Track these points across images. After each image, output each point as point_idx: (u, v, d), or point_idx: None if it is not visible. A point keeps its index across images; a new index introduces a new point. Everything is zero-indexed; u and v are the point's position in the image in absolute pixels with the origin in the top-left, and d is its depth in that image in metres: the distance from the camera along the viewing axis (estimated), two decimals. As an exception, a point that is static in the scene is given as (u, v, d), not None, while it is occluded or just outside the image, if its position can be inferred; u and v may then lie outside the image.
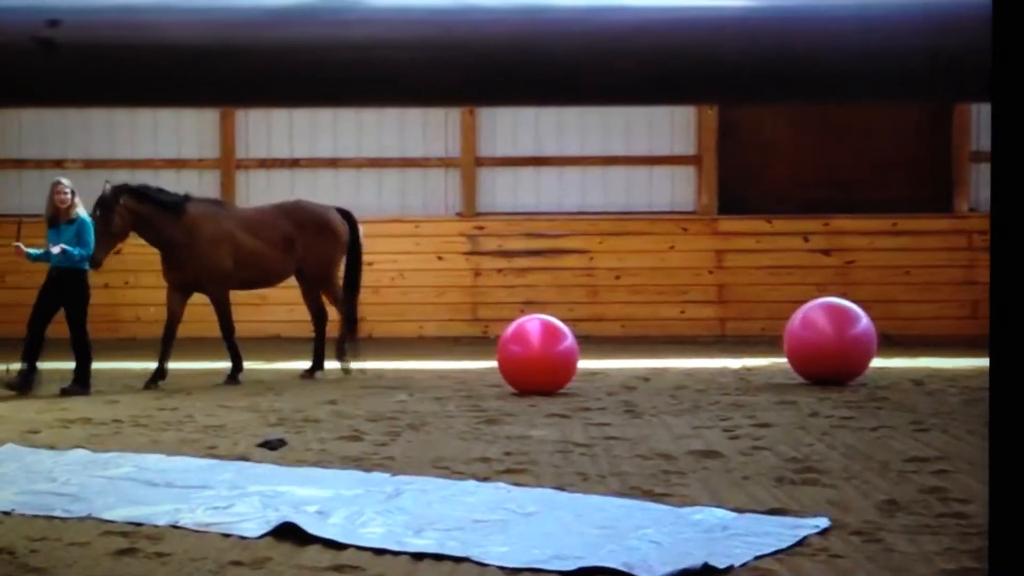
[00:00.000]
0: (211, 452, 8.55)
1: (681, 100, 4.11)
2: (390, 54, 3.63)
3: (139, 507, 6.81)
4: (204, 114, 17.17)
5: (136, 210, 12.10)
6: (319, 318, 13.19)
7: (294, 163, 17.57)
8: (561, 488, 7.28)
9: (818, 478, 7.56)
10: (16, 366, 11.68)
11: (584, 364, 12.08)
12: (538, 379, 11.37)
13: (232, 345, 12.50)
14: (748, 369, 13.43)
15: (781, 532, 6.18)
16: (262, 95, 3.92)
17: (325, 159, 17.62)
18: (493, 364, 12.01)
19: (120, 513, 6.70)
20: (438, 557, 5.85)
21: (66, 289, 11.66)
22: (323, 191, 17.49)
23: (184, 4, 3.58)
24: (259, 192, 17.48)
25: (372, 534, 6.21)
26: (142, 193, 12.23)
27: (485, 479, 7.54)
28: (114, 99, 3.99)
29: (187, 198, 12.53)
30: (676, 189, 17.79)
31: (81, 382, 11.77)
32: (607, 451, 8.56)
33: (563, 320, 11.97)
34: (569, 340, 11.53)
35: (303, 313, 17.20)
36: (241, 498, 6.98)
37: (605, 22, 3.80)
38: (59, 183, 11.93)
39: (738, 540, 6.05)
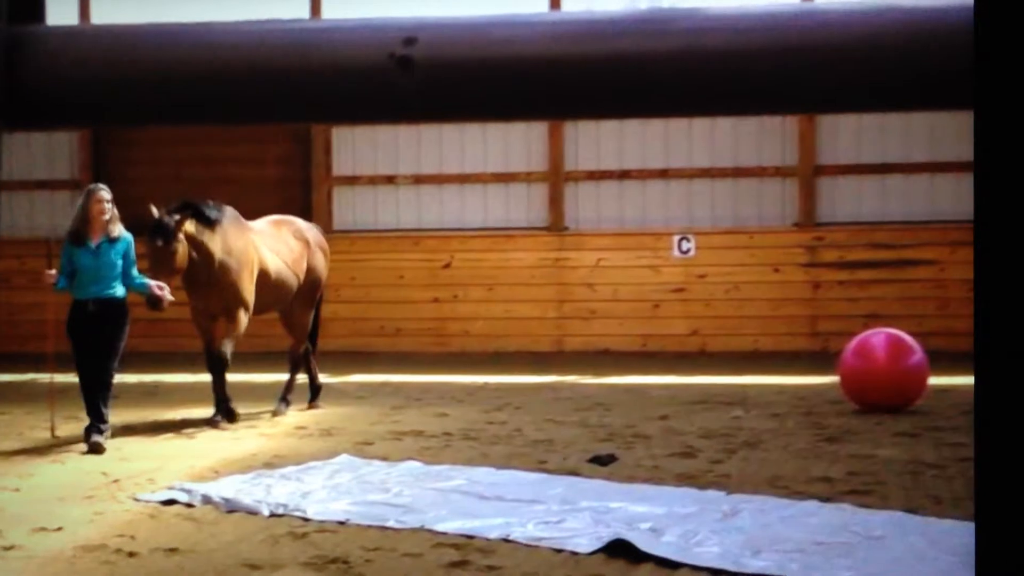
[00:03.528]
0: (541, 466, 8.46)
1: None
2: (733, 63, 3.46)
3: (470, 520, 6.81)
4: (532, 127, 17.22)
5: (189, 233, 10.26)
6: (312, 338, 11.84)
7: (623, 174, 17.39)
8: (911, 511, 6.89)
9: None
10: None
11: (935, 380, 11.38)
12: (884, 395, 10.80)
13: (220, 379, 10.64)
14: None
15: None
16: (616, 106, 3.86)
17: (655, 170, 17.34)
18: (834, 379, 11.53)
19: (452, 525, 6.70)
20: (778, 580, 5.57)
21: (112, 321, 9.44)
22: (653, 202, 17.33)
23: (534, 18, 3.61)
24: (588, 204, 17.43)
25: (708, 553, 6.00)
26: (195, 211, 10.38)
27: (827, 500, 7.22)
28: (466, 115, 4.07)
29: (219, 209, 10.71)
30: (1042, 194, 16.67)
31: (100, 427, 9.47)
32: (962, 473, 8.01)
33: (911, 334, 11.29)
34: (918, 354, 10.88)
35: (633, 327, 17.15)
36: (572, 513, 6.89)
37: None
38: (98, 190, 9.54)
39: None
